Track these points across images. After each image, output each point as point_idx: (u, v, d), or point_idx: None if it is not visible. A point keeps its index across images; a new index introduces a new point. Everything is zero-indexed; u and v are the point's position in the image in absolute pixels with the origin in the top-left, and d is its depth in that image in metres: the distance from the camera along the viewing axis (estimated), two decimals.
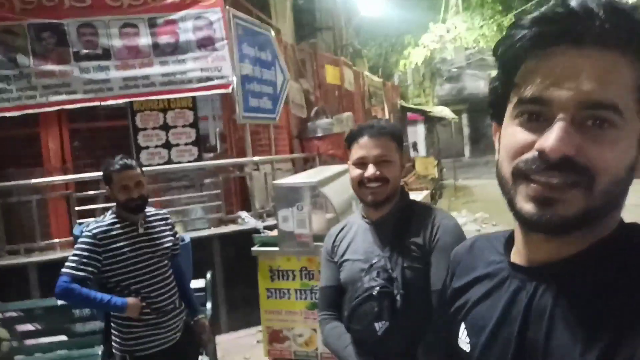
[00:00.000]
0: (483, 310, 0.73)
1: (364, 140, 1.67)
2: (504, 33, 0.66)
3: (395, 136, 1.71)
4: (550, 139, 0.57)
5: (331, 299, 1.77)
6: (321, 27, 9.61)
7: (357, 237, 1.73)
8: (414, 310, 1.56)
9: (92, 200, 4.87)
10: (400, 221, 1.68)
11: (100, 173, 2.53)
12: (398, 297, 1.56)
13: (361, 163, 1.65)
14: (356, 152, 1.67)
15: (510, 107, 0.64)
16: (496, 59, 0.67)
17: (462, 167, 19.07)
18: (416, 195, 4.91)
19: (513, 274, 0.70)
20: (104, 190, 2.57)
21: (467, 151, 24.27)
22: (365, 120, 10.07)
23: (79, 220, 4.34)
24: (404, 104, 14.79)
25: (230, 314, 4.85)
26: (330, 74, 8.43)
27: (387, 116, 11.47)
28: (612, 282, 0.59)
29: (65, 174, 5.13)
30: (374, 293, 1.56)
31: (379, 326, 1.55)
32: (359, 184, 1.66)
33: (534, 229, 0.62)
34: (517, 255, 0.71)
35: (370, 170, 1.62)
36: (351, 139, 1.72)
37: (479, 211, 9.92)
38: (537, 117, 0.60)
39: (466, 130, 24.21)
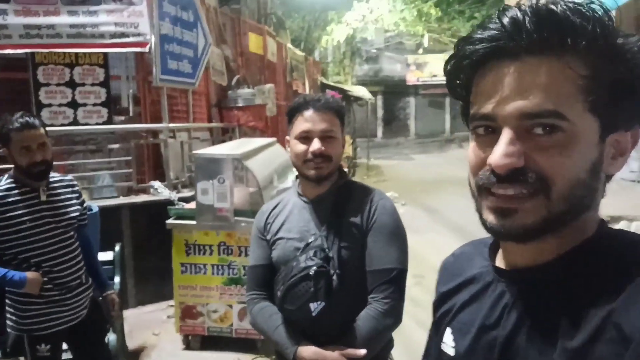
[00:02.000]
0: (468, 315, 0.73)
1: (310, 113, 1.61)
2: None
3: (340, 113, 1.66)
4: (495, 154, 0.59)
5: (261, 279, 1.69)
6: None
7: (292, 215, 1.68)
8: (349, 291, 1.55)
9: None
10: (338, 200, 1.65)
11: None
12: (334, 277, 1.53)
13: (305, 137, 1.59)
14: (300, 125, 1.61)
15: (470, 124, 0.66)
16: (446, 77, 0.70)
17: (375, 147, 19.64)
18: None
19: (497, 278, 0.70)
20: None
21: (379, 132, 24.96)
22: (287, 94, 9.93)
23: None
24: (324, 80, 14.81)
25: (138, 288, 4.60)
26: (253, 43, 8.15)
27: (307, 91, 11.39)
28: (586, 288, 0.59)
29: None
30: (310, 273, 1.51)
31: (314, 307, 1.51)
32: (302, 159, 1.60)
33: (499, 238, 0.65)
34: (501, 260, 0.72)
35: (316, 144, 1.58)
36: (295, 110, 1.64)
37: (389, 190, 10.26)
38: (491, 130, 0.62)
39: (380, 112, 24.86)
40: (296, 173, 1.76)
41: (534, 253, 0.64)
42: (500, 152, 0.59)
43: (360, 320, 1.55)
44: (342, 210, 1.63)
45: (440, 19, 17.89)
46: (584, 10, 0.57)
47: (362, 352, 1.50)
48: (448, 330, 0.76)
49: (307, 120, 1.60)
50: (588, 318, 0.57)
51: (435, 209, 9.30)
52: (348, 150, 12.77)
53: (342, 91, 13.70)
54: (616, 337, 0.53)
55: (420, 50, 20.60)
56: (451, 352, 0.74)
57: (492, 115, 0.61)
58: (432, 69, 22.82)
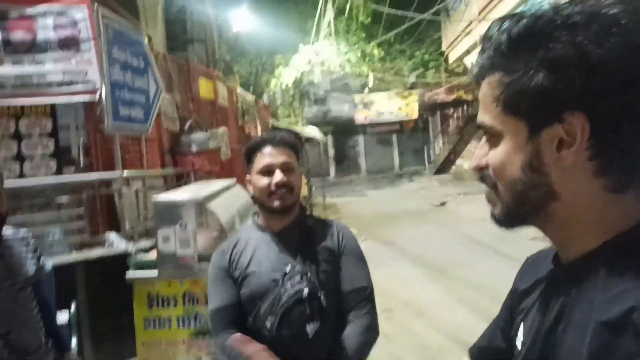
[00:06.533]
0: (535, 312, 0.78)
1: (268, 149, 1.73)
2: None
3: (295, 148, 1.80)
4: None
5: (231, 319, 1.69)
6: (193, 39, 9.27)
7: (258, 250, 1.72)
8: (333, 312, 1.67)
9: None
10: (304, 229, 1.76)
11: None
12: (322, 297, 1.62)
13: (267, 171, 1.70)
14: (261, 160, 1.72)
15: None
16: None
17: (329, 186, 19.79)
18: None
19: (554, 274, 0.76)
20: None
21: (332, 171, 25.24)
22: (239, 138, 9.89)
23: None
24: (276, 123, 14.93)
25: (98, 348, 4.29)
26: (204, 88, 8.12)
27: (260, 134, 11.42)
28: (613, 280, 0.62)
29: None
30: (304, 295, 1.60)
31: (310, 328, 1.60)
32: (267, 192, 1.69)
33: (495, 224, 0.76)
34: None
35: (278, 176, 1.68)
36: (254, 149, 1.76)
37: (349, 227, 10.30)
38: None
39: (331, 151, 25.22)
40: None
41: (566, 249, 0.71)
42: (474, 155, 0.75)
43: (348, 337, 1.63)
44: (311, 238, 1.74)
45: (383, 59, 18.63)
46: (491, 38, 0.69)
47: None
48: (521, 327, 0.81)
49: (267, 155, 1.71)
50: (616, 304, 0.59)
51: (394, 242, 9.38)
52: (304, 190, 12.77)
53: (294, 132, 13.82)
54: (632, 339, 0.55)
55: (366, 90, 21.30)
56: (519, 345, 0.80)
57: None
58: (378, 107, 23.57)
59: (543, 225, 0.71)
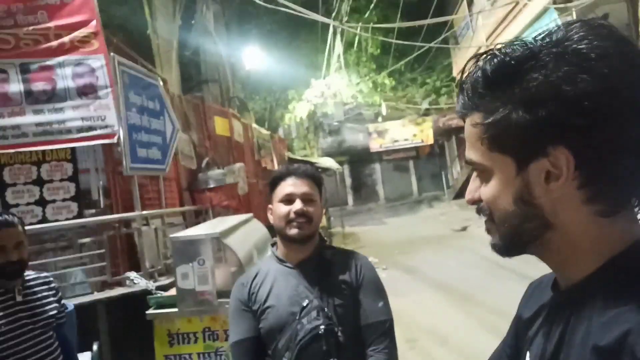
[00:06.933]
0: (539, 339, 0.77)
1: (292, 180, 1.76)
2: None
3: (318, 180, 1.82)
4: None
5: (252, 352, 1.69)
6: (207, 80, 9.53)
7: (277, 282, 1.72)
8: (351, 346, 1.65)
9: None
10: (323, 262, 1.75)
11: None
12: (340, 334, 1.62)
13: (288, 200, 1.72)
14: (283, 189, 1.75)
15: None
16: None
17: (347, 215, 19.73)
18: None
19: (554, 301, 0.77)
20: None
21: (350, 200, 25.19)
22: (256, 172, 10.03)
23: None
24: (292, 155, 15.07)
25: None
26: (220, 126, 8.31)
27: (276, 167, 11.55)
28: (608, 304, 0.62)
29: None
30: (320, 332, 1.59)
31: None
32: (285, 220, 1.71)
33: (496, 252, 0.77)
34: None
35: (298, 204, 1.71)
36: (278, 179, 1.78)
37: (368, 256, 10.17)
38: None
39: (348, 181, 25.24)
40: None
41: (564, 275, 0.72)
42: (467, 189, 0.77)
43: None
44: (329, 271, 1.73)
45: (394, 88, 18.80)
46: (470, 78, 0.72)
47: None
48: (527, 355, 0.81)
49: (289, 185, 1.74)
50: (612, 328, 0.59)
51: (416, 269, 9.27)
52: (322, 220, 12.77)
53: (310, 164, 13.94)
54: None
55: (380, 119, 21.42)
56: None
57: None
58: (392, 134, 23.60)
59: (540, 253, 0.72)
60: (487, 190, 0.72)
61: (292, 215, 1.69)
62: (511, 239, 0.72)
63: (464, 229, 13.64)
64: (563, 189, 0.65)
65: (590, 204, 0.65)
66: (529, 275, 0.91)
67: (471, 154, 0.73)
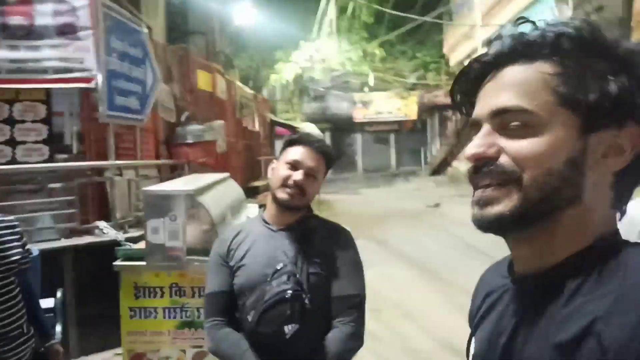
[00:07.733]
0: (486, 324, 0.76)
1: (306, 149, 1.75)
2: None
3: (328, 160, 1.82)
4: (468, 147, 0.68)
5: (222, 305, 1.74)
6: (194, 31, 9.25)
7: (257, 243, 1.76)
8: (318, 315, 1.67)
9: None
10: (306, 230, 1.77)
11: None
12: (307, 301, 1.63)
13: (293, 166, 1.72)
14: (294, 154, 1.75)
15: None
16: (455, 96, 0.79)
17: (324, 182, 19.73)
18: None
19: (509, 286, 0.73)
20: None
21: None
22: (236, 131, 9.89)
23: None
24: (274, 118, 14.91)
25: (82, 337, 4.29)
26: (203, 80, 8.11)
27: (257, 128, 11.41)
28: (577, 293, 0.61)
29: None
30: (286, 296, 1.62)
31: (288, 329, 1.61)
32: (281, 182, 1.72)
33: (481, 229, 0.68)
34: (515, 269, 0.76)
35: (299, 175, 1.71)
36: (293, 142, 1.80)
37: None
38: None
39: None
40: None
41: (537, 259, 0.67)
42: (472, 144, 0.67)
43: (329, 342, 1.65)
44: (310, 239, 1.75)
45: (384, 59, 18.63)
46: (548, 26, 0.67)
47: None
48: (473, 342, 0.80)
49: (301, 153, 1.74)
50: (575, 321, 0.59)
51: (386, 242, 9.39)
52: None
53: (292, 128, 13.83)
54: (596, 347, 0.55)
55: (366, 89, 21.29)
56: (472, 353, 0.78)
57: (477, 119, 0.70)
58: (377, 106, 23.54)
59: (542, 230, 0.66)
60: (533, 144, 0.64)
61: (289, 181, 1.71)
62: (538, 203, 0.64)
63: (437, 205, 13.84)
64: (615, 166, 0.65)
65: (613, 190, 0.66)
66: (497, 257, 0.89)
67: (523, 101, 0.65)
